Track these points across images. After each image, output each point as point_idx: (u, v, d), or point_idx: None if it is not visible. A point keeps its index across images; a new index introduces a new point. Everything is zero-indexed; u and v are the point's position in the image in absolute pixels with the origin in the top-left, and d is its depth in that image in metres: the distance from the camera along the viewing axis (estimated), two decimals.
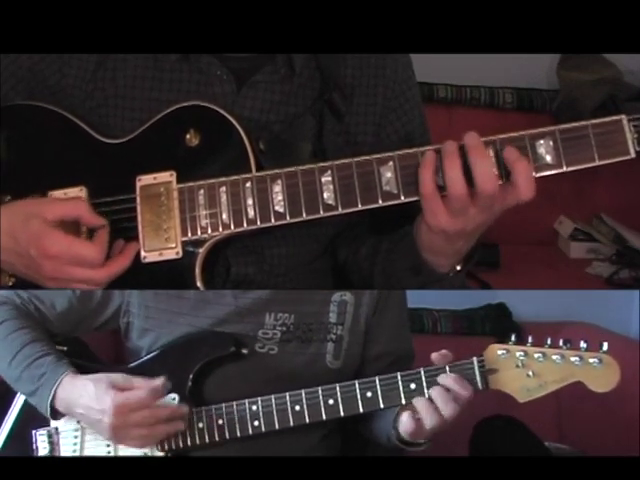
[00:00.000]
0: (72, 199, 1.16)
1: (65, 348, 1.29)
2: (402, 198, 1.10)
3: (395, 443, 1.21)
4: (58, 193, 1.18)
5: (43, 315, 1.28)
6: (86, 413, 1.17)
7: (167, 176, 1.16)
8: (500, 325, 2.18)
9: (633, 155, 1.06)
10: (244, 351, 1.22)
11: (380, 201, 1.10)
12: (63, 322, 1.29)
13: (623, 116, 1.06)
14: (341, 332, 1.26)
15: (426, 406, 1.12)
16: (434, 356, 1.15)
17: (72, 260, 1.08)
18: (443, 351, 1.15)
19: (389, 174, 1.10)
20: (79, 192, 1.18)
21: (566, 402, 2.02)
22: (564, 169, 1.07)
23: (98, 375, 1.18)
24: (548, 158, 1.07)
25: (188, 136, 1.17)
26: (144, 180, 1.16)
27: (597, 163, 1.06)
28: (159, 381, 1.17)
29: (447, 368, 1.13)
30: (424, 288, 1.23)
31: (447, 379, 1.12)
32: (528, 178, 1.04)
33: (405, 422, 1.15)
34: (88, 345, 1.34)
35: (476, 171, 1.04)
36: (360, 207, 1.11)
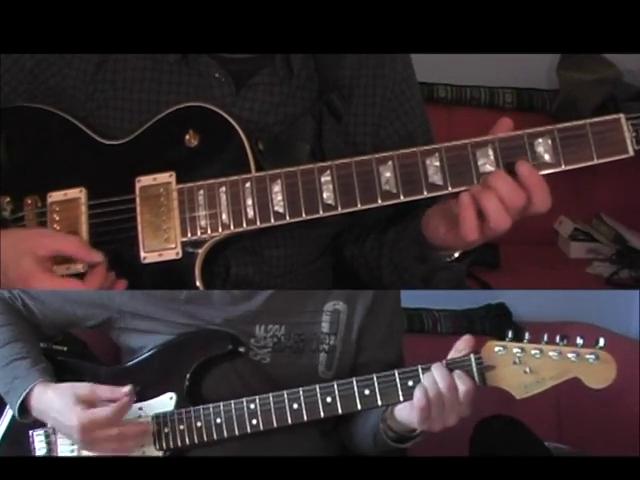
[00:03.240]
0: (67, 236, 1.15)
1: (65, 348, 1.29)
2: (401, 197, 1.10)
3: (382, 439, 1.21)
4: (58, 194, 1.18)
5: (30, 311, 1.27)
6: (57, 425, 1.18)
7: (167, 177, 1.16)
8: (500, 325, 2.18)
9: (632, 153, 1.06)
10: (241, 349, 1.22)
11: (379, 201, 1.10)
12: (51, 320, 1.29)
13: (621, 115, 1.06)
14: (334, 342, 1.26)
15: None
16: (458, 344, 1.15)
17: None
18: (467, 336, 1.16)
19: (388, 174, 1.10)
20: (79, 193, 1.18)
21: (566, 402, 2.02)
22: (562, 168, 1.07)
23: (63, 386, 1.18)
24: (546, 157, 1.07)
25: (187, 137, 1.18)
26: (144, 181, 1.17)
27: (595, 162, 1.06)
28: (125, 393, 1.15)
29: (444, 364, 1.14)
30: (429, 279, 1.23)
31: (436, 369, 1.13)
32: (544, 192, 1.05)
33: (403, 409, 1.15)
34: (87, 344, 1.34)
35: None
36: (359, 207, 1.11)
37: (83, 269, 1.14)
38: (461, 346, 1.15)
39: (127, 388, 1.16)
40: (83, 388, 1.17)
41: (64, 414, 1.15)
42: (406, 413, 1.15)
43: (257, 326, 1.23)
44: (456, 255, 1.17)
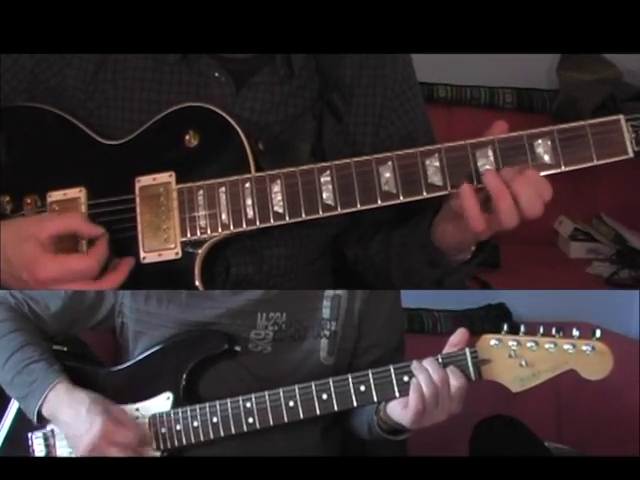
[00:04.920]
0: (66, 214, 1.16)
1: (65, 348, 1.29)
2: (401, 198, 1.10)
3: (376, 431, 1.22)
4: (57, 194, 1.18)
5: (37, 315, 1.28)
6: (71, 423, 1.17)
7: (166, 177, 1.16)
8: (500, 325, 2.18)
9: (631, 155, 1.06)
10: (237, 349, 1.22)
11: (379, 201, 1.10)
12: (57, 322, 1.29)
13: (621, 116, 1.06)
14: (335, 328, 1.26)
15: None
16: (452, 339, 1.15)
17: (66, 277, 1.09)
18: (461, 329, 1.16)
19: (388, 174, 1.10)
20: (79, 193, 1.18)
21: (566, 402, 2.02)
22: (562, 169, 1.07)
23: (97, 395, 1.19)
24: (546, 158, 1.07)
25: (187, 137, 1.18)
26: (143, 181, 1.17)
27: (595, 163, 1.06)
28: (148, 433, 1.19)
29: (439, 359, 1.13)
30: (440, 283, 1.23)
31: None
32: (509, 210, 1.05)
33: (395, 407, 1.15)
34: (87, 345, 1.34)
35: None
36: (359, 207, 1.11)
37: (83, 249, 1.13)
38: (456, 340, 1.15)
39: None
40: (116, 407, 1.19)
41: (88, 416, 1.15)
42: (397, 412, 1.15)
43: (259, 314, 1.23)
44: (468, 257, 1.18)
